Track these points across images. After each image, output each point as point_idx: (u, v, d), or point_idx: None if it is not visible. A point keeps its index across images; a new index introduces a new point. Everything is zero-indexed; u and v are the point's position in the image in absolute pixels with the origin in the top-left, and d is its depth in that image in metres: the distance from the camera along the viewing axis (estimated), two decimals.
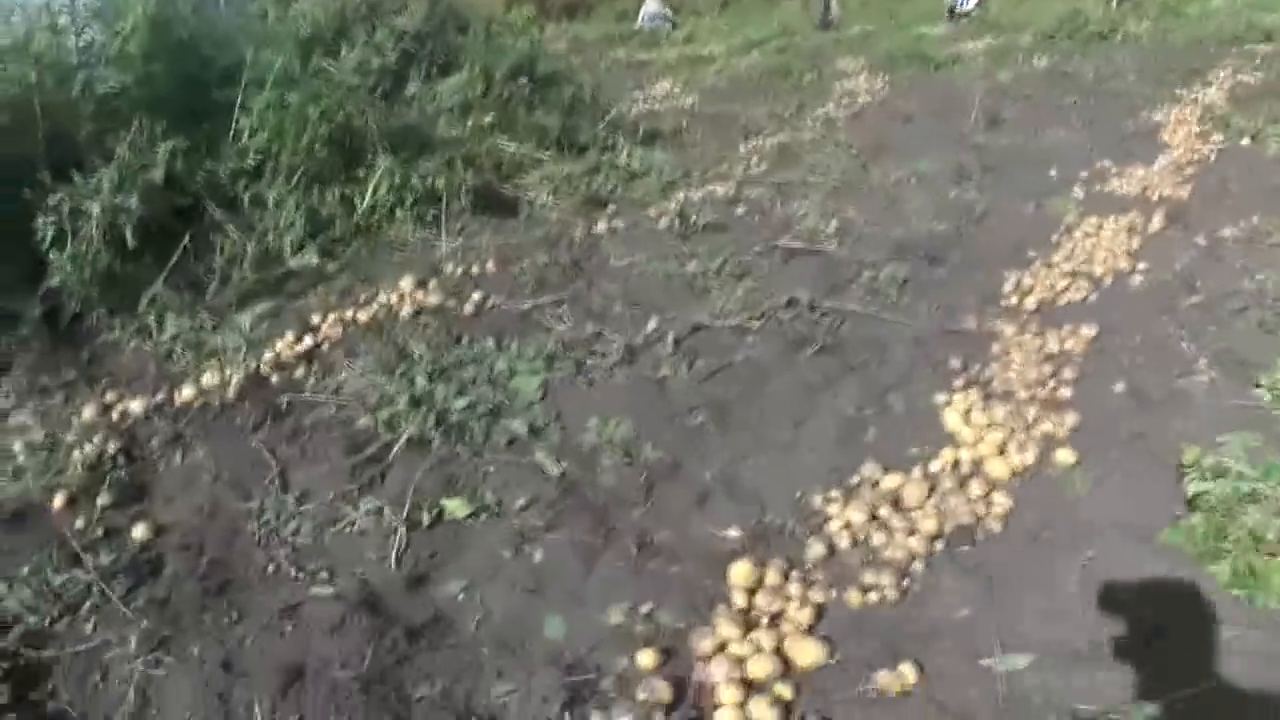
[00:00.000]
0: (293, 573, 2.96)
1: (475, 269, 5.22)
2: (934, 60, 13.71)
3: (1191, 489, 2.82)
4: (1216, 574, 2.59)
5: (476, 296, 4.83)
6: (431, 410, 3.71)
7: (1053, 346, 4.14)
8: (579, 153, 7.38)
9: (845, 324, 4.57)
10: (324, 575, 2.94)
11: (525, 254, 5.45)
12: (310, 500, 3.30)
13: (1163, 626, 2.50)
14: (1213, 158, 7.67)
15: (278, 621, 2.75)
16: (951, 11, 19.58)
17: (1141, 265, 5.08)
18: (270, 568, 3.00)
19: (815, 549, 2.93)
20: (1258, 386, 3.64)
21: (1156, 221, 5.81)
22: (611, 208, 6.47)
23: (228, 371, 4.07)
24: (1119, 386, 3.76)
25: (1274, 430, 3.27)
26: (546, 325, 4.59)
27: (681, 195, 6.65)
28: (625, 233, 5.97)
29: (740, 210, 6.41)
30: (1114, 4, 18.85)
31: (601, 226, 6.00)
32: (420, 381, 3.93)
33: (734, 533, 3.08)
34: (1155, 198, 6.52)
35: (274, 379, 4.13)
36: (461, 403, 3.79)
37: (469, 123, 7.03)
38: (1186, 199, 6.45)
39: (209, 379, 4.03)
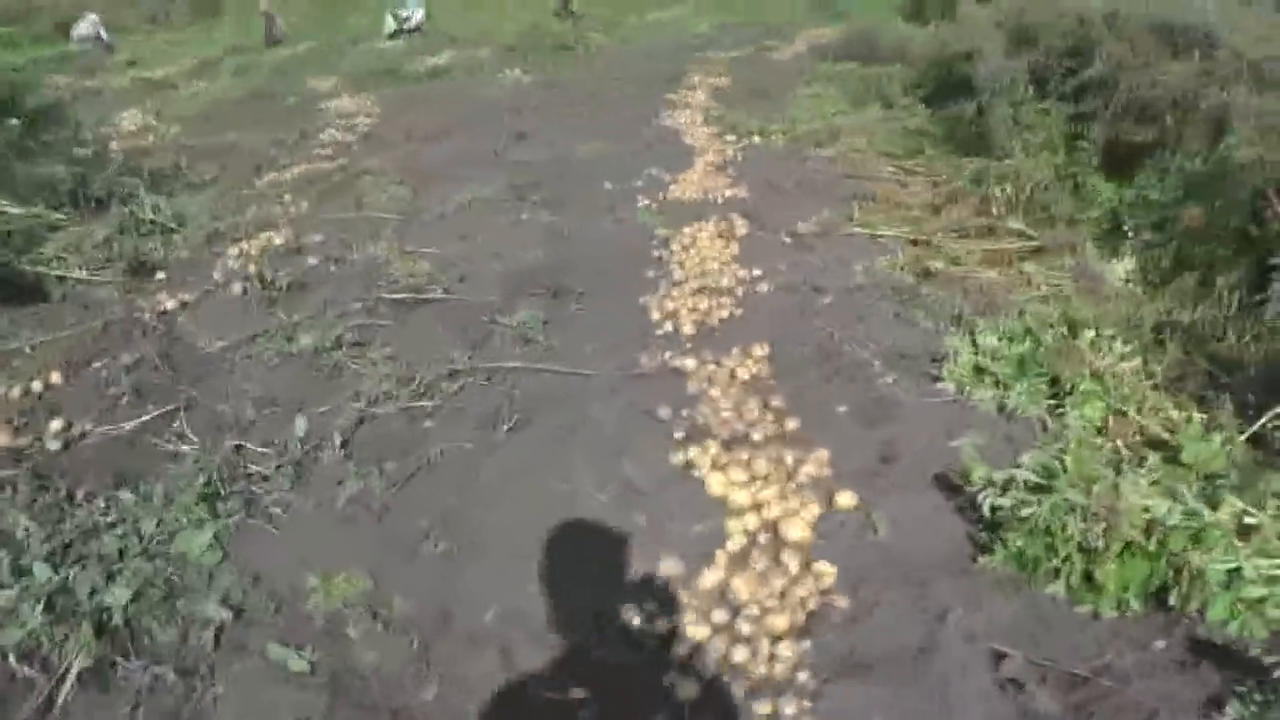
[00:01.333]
0: None
1: (36, 384, 4.04)
2: (410, 75, 13.49)
3: (989, 505, 2.83)
4: (1055, 592, 2.66)
5: (56, 425, 3.70)
6: (81, 617, 2.67)
7: (742, 373, 4.04)
8: (97, 206, 6.20)
9: (519, 386, 4.10)
10: None
11: (93, 354, 4.34)
12: None
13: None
14: (739, 156, 8.22)
15: None
16: (399, 28, 19.48)
17: (756, 271, 5.19)
18: None
19: (687, 689, 2.50)
20: (937, 380, 3.83)
21: (740, 225, 6.02)
22: (162, 274, 5.46)
23: None
24: (841, 408, 3.74)
25: (998, 428, 3.42)
26: (171, 449, 3.62)
27: (236, 250, 5.78)
28: (200, 306, 4.99)
29: (314, 260, 5.62)
30: (568, 19, 19.84)
31: (169, 303, 4.94)
32: (43, 573, 2.81)
33: (579, 693, 2.52)
34: (719, 200, 6.78)
35: None
36: (121, 594, 2.75)
37: None
38: (748, 198, 6.79)
39: None
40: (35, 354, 4.40)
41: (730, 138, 8.99)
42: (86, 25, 16.85)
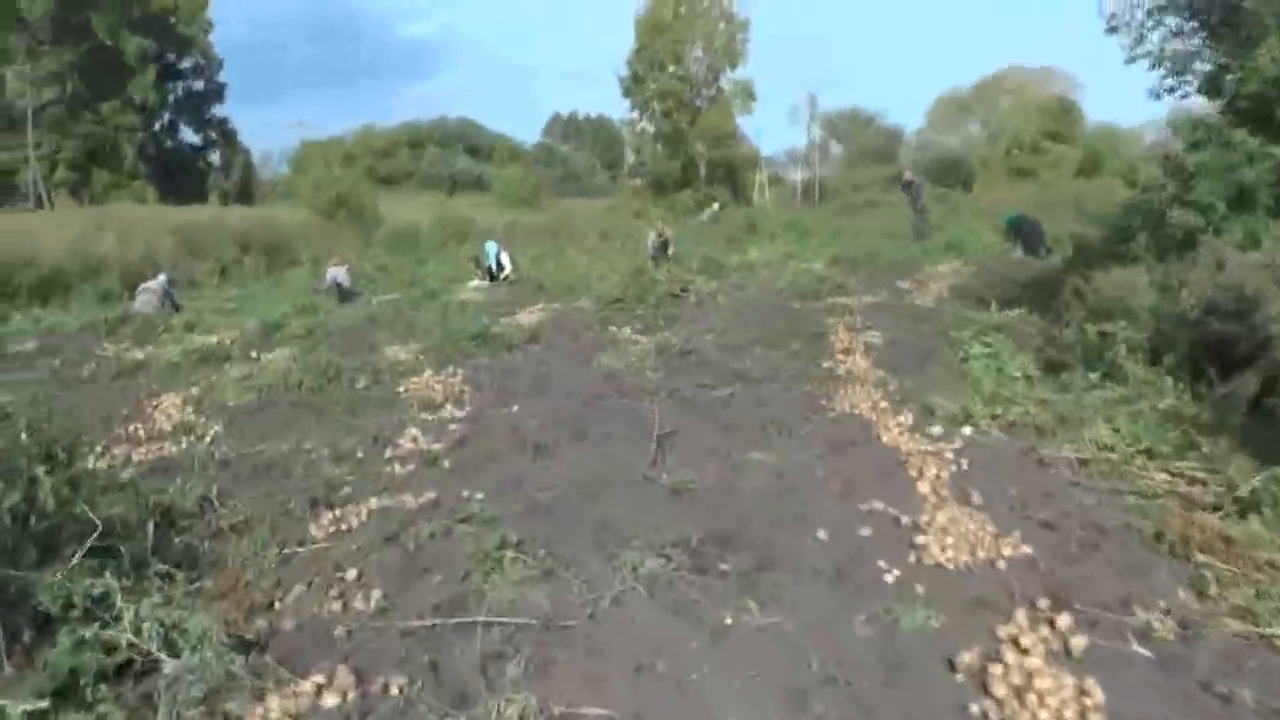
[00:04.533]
0: None
1: None
2: (503, 339, 11.42)
3: None
4: None
5: None
6: None
7: None
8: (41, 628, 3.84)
9: None
10: None
11: None
12: None
13: None
14: (964, 464, 6.17)
15: None
16: (490, 273, 17.88)
17: None
18: None
19: None
20: None
21: (1063, 624, 3.95)
22: None
23: None
24: None
25: None
26: None
27: None
28: None
29: None
30: (665, 264, 18.18)
31: None
32: None
33: None
34: (997, 562, 4.71)
35: None
36: None
37: None
38: (1035, 557, 4.77)
39: None
40: None
41: (933, 429, 6.86)
42: (152, 286, 15.21)
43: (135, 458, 7.18)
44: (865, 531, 5.14)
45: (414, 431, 7.54)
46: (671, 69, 42.68)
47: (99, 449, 7.29)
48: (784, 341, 10.80)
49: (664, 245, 19.79)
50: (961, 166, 50.25)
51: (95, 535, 4.32)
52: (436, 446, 7.14)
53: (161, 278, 15.54)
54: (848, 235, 23.84)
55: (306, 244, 22.87)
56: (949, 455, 6.36)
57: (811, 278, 16.14)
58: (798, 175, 56.17)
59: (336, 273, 16.87)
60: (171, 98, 49.53)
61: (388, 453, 7.08)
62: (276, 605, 4.61)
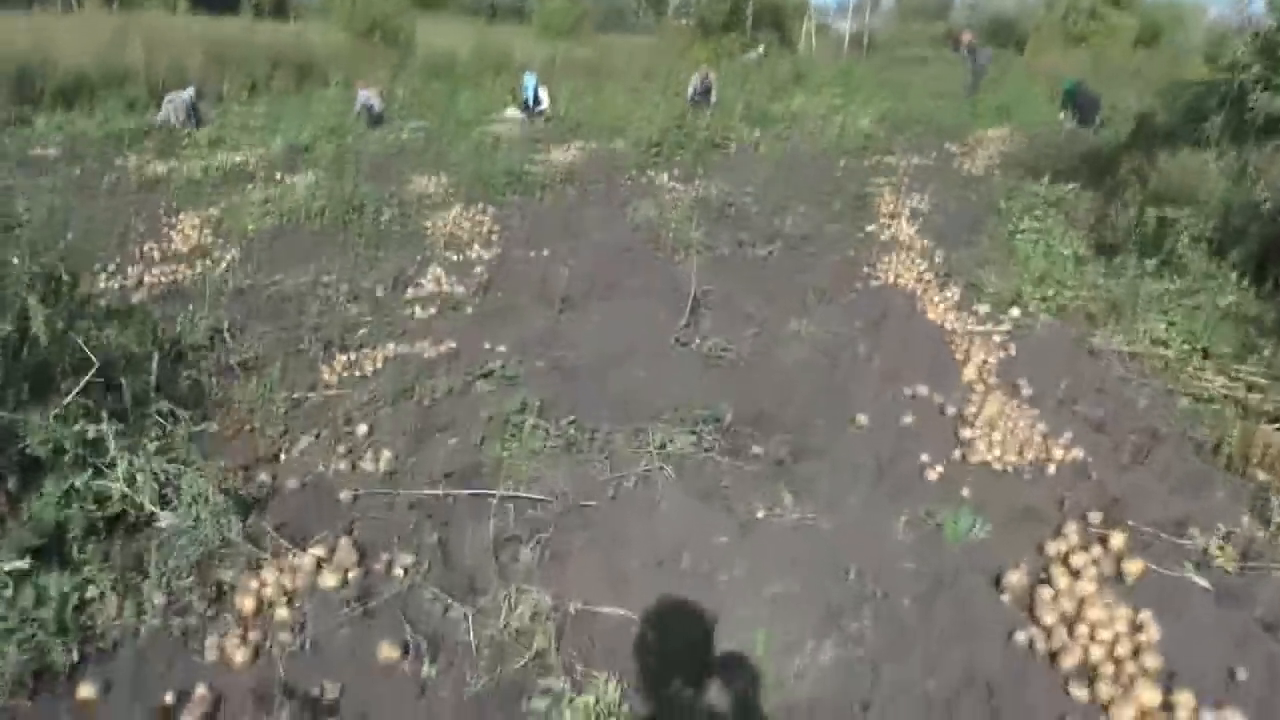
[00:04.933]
0: None
1: None
2: (537, 178, 10.94)
3: None
4: None
5: None
6: None
7: None
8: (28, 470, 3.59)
9: None
10: None
11: None
12: None
13: None
14: (1013, 351, 5.84)
15: None
16: (526, 106, 17.17)
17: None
18: None
19: None
20: None
21: (1116, 541, 3.67)
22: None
23: None
24: None
25: None
26: None
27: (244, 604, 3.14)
28: None
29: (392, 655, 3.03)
30: (707, 109, 17.44)
31: None
32: None
33: None
34: (1049, 469, 4.37)
35: None
36: None
37: None
38: (1089, 463, 4.41)
39: None
40: None
41: (980, 308, 6.55)
42: (181, 96, 14.56)
43: (148, 280, 6.90)
44: (908, 419, 4.82)
45: (438, 271, 7.22)
46: None
47: (111, 268, 7.03)
48: (827, 201, 10.33)
49: (707, 90, 18.93)
50: (1014, 28, 47.95)
51: (93, 371, 4.02)
52: (460, 290, 6.83)
53: (190, 90, 14.92)
54: (895, 91, 22.75)
55: (338, 65, 21.99)
56: (996, 339, 6.02)
57: (857, 134, 15.46)
58: (846, 25, 53.88)
59: (367, 95, 16.19)
60: None
61: (409, 293, 6.79)
62: (281, 457, 4.40)
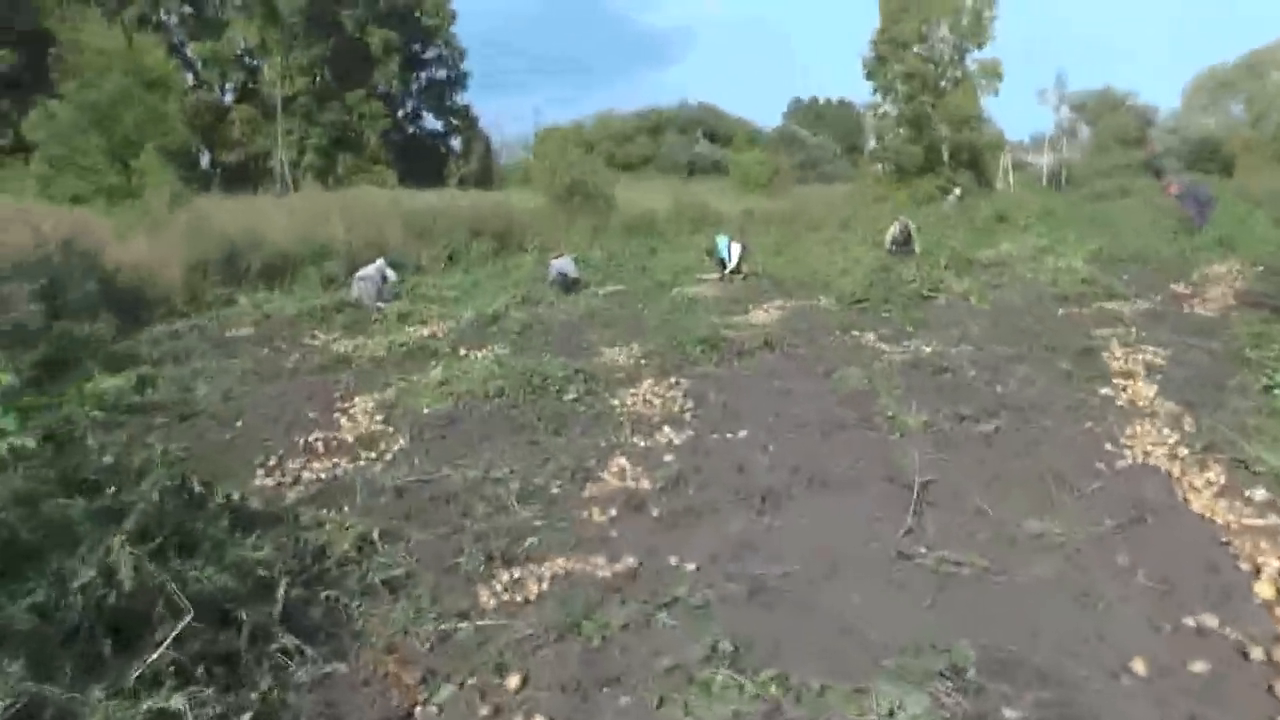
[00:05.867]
0: None
1: None
2: (727, 344, 10.06)
3: None
4: None
5: None
6: None
7: None
8: None
9: None
10: None
11: None
12: None
13: None
14: None
15: None
16: (723, 264, 16.54)
17: None
18: None
19: None
20: None
21: None
22: None
23: None
24: None
25: None
26: None
27: None
28: None
29: None
30: (910, 257, 16.48)
31: None
32: None
33: None
34: None
35: None
36: None
37: None
38: None
39: None
40: None
41: (1254, 493, 5.27)
42: (368, 273, 14.50)
43: (306, 477, 6.29)
44: (1198, 666, 3.57)
45: (622, 462, 6.34)
46: (916, 49, 40.03)
47: (272, 461, 6.50)
48: (1050, 358, 9.08)
49: (907, 239, 17.98)
50: (1219, 149, 45.01)
51: (189, 618, 3.27)
52: (645, 485, 5.90)
53: (380, 262, 14.93)
54: (1103, 227, 21.18)
55: (536, 231, 22.25)
56: None
57: (1073, 277, 14.08)
58: (1043, 159, 52.17)
59: (561, 263, 15.96)
60: (415, 86, 50.66)
61: (587, 490, 5.91)
62: (417, 713, 3.52)
